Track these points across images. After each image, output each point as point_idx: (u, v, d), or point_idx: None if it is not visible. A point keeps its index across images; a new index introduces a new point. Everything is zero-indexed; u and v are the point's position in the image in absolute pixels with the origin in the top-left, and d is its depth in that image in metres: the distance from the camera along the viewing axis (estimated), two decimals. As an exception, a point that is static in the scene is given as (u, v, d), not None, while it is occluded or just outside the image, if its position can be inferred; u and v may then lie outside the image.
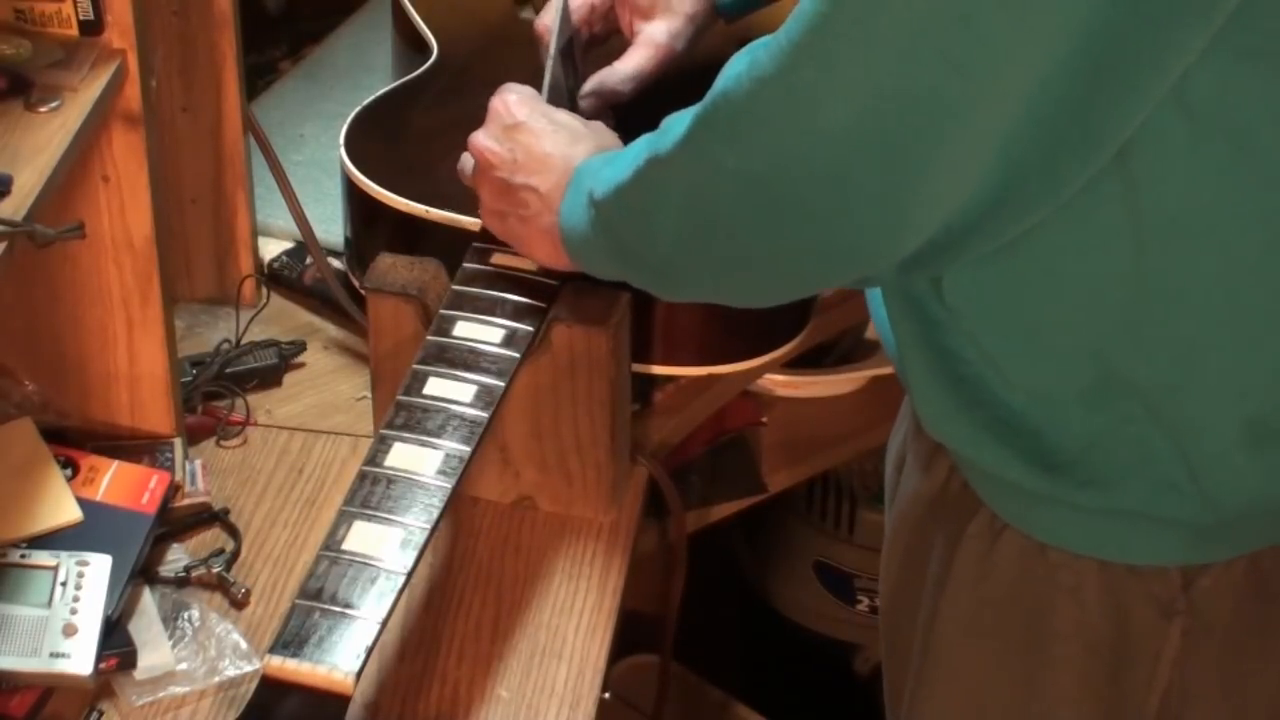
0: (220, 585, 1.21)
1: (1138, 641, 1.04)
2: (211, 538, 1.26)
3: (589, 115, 1.28)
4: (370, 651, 0.99)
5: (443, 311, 1.21)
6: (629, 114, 1.35)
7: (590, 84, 1.33)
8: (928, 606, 1.13)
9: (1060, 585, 1.04)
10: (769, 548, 1.99)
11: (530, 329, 1.20)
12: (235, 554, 1.24)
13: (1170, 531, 1.01)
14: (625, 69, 1.33)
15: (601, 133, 1.22)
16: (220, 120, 1.40)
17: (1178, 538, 1.01)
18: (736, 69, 0.93)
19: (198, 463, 1.30)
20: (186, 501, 1.27)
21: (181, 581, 1.21)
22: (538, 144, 1.18)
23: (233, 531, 1.26)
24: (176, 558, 1.23)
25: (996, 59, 0.82)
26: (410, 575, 1.03)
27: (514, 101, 1.22)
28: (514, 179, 1.18)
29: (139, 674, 1.14)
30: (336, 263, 1.44)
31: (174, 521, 1.26)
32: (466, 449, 1.11)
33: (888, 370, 1.67)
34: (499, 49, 1.54)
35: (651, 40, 1.34)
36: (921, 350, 1.03)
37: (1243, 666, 1.06)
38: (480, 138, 1.21)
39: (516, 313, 1.21)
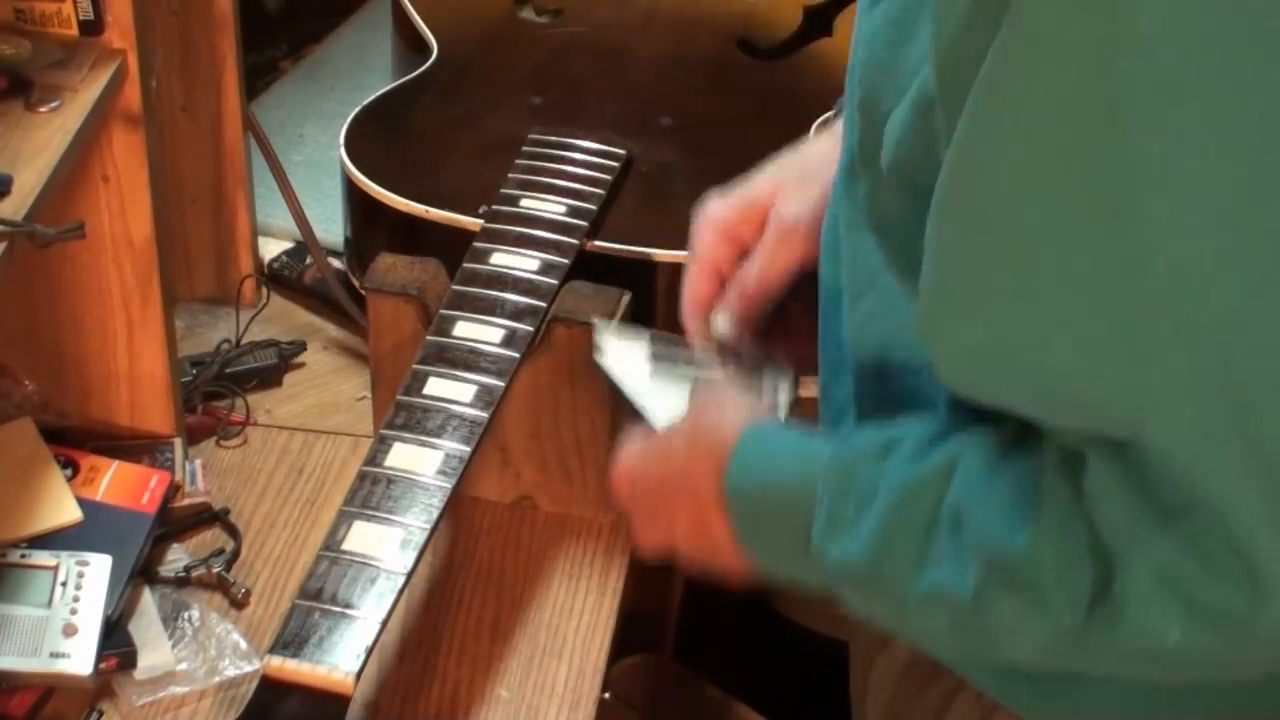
0: (220, 585, 1.21)
1: None
2: (211, 538, 1.26)
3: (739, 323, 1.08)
4: (370, 651, 0.99)
5: (443, 311, 1.21)
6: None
7: (731, 301, 1.08)
8: None
9: None
10: (769, 548, 1.99)
11: (530, 329, 1.20)
12: (235, 554, 1.24)
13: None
14: (748, 278, 1.07)
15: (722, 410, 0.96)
16: (220, 120, 1.40)
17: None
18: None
19: (198, 463, 1.30)
20: (186, 501, 1.27)
21: (181, 581, 1.21)
22: (670, 491, 0.96)
23: (233, 531, 1.26)
24: (176, 558, 1.23)
25: None
26: (410, 575, 1.03)
27: (625, 472, 1.01)
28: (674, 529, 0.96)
29: (139, 674, 1.14)
30: (336, 263, 1.44)
31: (174, 521, 1.26)
32: (466, 449, 1.11)
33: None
34: (498, 49, 1.54)
35: (772, 224, 1.07)
36: None
37: None
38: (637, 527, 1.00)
39: (516, 313, 1.21)
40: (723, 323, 1.09)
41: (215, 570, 1.22)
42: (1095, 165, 0.63)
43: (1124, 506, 0.70)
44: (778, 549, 0.90)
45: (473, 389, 1.15)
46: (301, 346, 1.43)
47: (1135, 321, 0.65)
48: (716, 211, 1.10)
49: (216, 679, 1.14)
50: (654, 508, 0.98)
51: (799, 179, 1.08)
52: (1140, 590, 0.70)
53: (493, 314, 1.21)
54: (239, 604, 1.20)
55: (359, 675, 0.98)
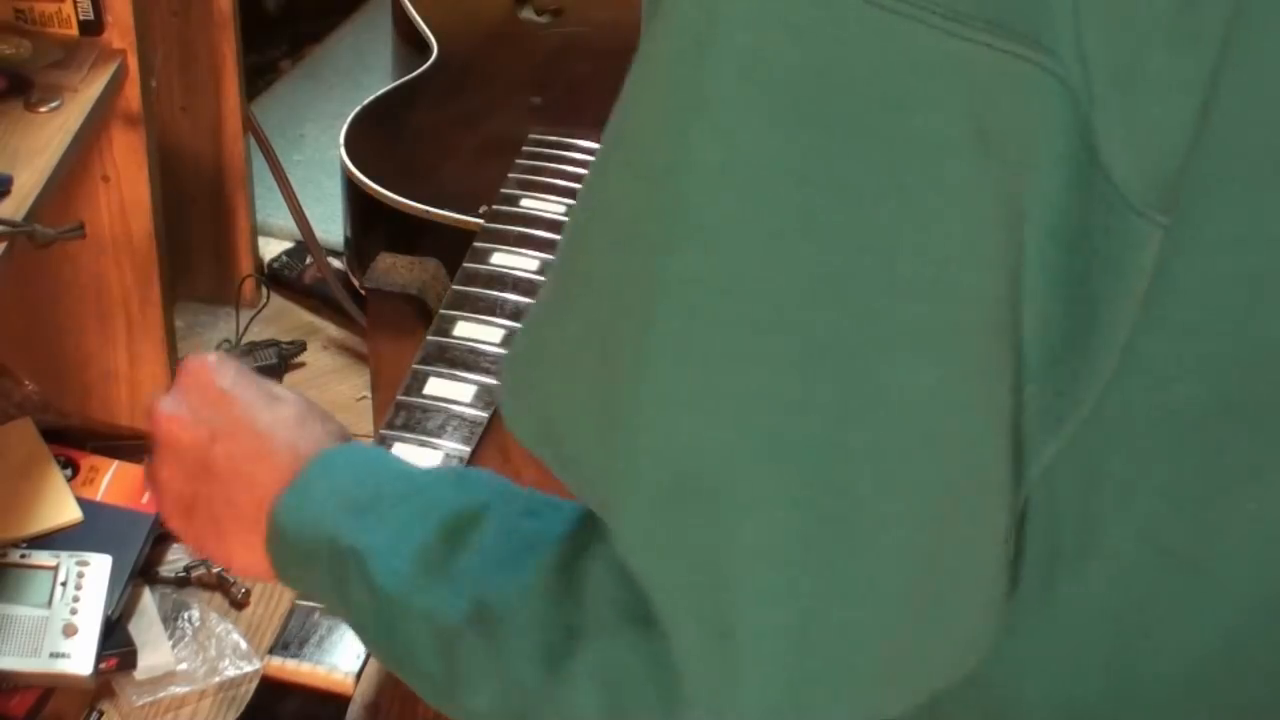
0: (220, 585, 1.21)
1: None
2: (211, 538, 1.26)
3: None
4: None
5: (443, 311, 1.21)
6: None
7: None
8: None
9: None
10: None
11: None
12: (235, 554, 1.24)
13: None
14: None
15: (326, 417, 0.91)
16: (220, 120, 1.40)
17: None
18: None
19: (198, 463, 1.30)
20: (186, 501, 1.27)
21: (181, 581, 1.21)
22: (249, 416, 0.88)
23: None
24: (176, 558, 1.23)
25: None
26: None
27: (213, 365, 0.90)
28: (214, 458, 0.89)
29: (139, 674, 1.14)
30: (336, 263, 1.44)
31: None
32: (466, 449, 1.11)
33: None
34: (498, 49, 1.54)
35: None
36: None
37: None
38: (168, 404, 0.89)
39: (516, 313, 1.21)
40: None
41: (215, 570, 1.22)
42: (622, 266, 0.61)
43: (604, 589, 0.69)
44: (304, 582, 0.84)
45: (473, 389, 1.15)
46: (301, 346, 1.43)
47: (616, 421, 0.63)
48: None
49: (216, 679, 1.14)
50: (195, 477, 0.89)
51: None
52: (583, 672, 0.69)
53: (493, 314, 1.21)
54: (239, 604, 1.20)
55: (359, 675, 0.98)
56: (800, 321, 0.58)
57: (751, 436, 0.60)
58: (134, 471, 1.25)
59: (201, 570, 1.22)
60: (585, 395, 0.65)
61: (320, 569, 0.81)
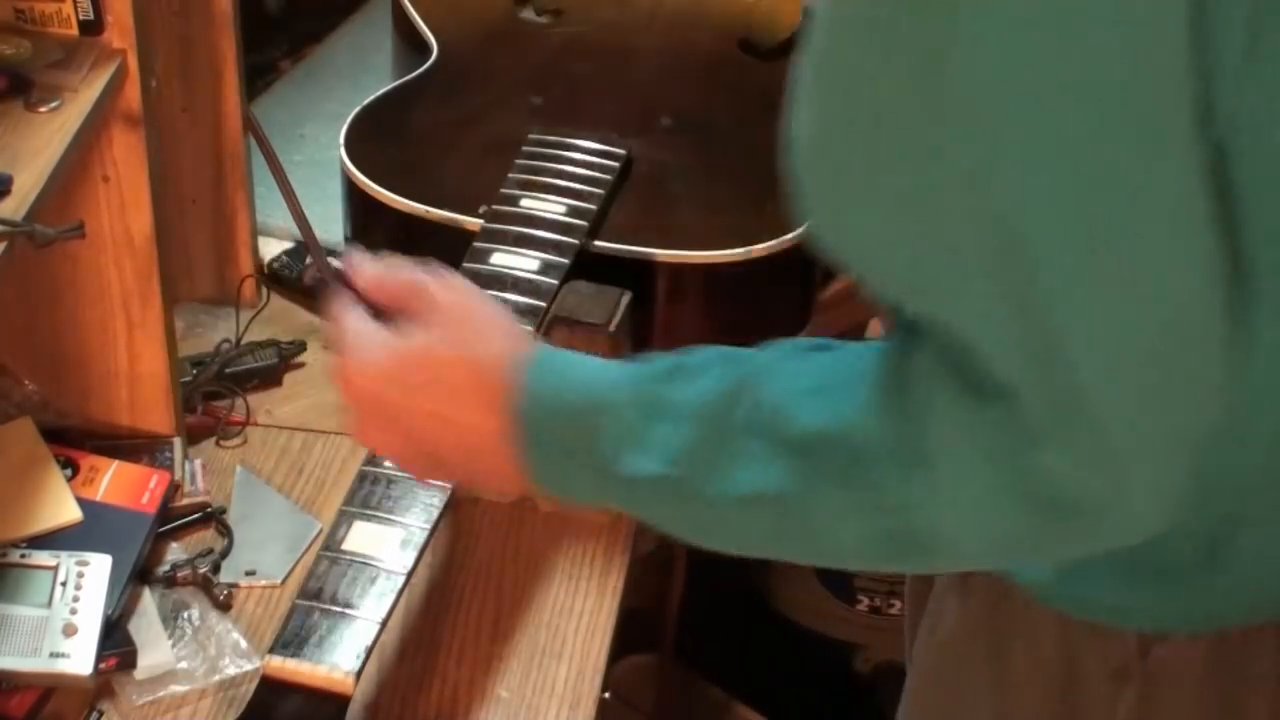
0: (204, 585, 1.21)
1: None
2: (212, 538, 1.26)
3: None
4: (370, 651, 0.99)
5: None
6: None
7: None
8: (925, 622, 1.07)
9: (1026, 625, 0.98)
10: (769, 548, 1.99)
11: (530, 329, 1.20)
12: (225, 554, 1.24)
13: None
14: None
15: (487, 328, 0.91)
16: (220, 120, 1.40)
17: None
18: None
19: (197, 462, 1.30)
20: (186, 501, 1.27)
21: (169, 581, 1.21)
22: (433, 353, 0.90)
23: (225, 531, 1.26)
24: (176, 558, 1.23)
25: None
26: (410, 575, 1.03)
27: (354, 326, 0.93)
28: (413, 410, 0.90)
29: (139, 673, 1.14)
30: (336, 263, 1.44)
31: (174, 521, 1.26)
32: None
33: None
34: (498, 49, 1.54)
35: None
36: None
37: None
38: (352, 374, 0.92)
39: (516, 313, 1.21)
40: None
41: (202, 571, 1.21)
42: (922, 65, 0.70)
43: (939, 381, 0.75)
44: (570, 467, 0.87)
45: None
46: (301, 346, 1.42)
47: (938, 206, 0.72)
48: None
49: (216, 678, 1.14)
50: (396, 411, 0.91)
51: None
52: (945, 454, 0.75)
53: (493, 314, 1.21)
54: (221, 605, 1.20)
55: (359, 675, 0.98)
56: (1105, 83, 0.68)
57: (1064, 193, 0.70)
58: (134, 471, 1.25)
59: (187, 570, 1.21)
60: (910, 190, 0.72)
61: (602, 436, 0.83)
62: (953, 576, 1.02)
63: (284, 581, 1.22)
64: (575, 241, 1.27)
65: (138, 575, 1.20)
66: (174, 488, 1.26)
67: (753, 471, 0.80)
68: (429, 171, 1.36)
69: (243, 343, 1.41)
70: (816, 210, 0.78)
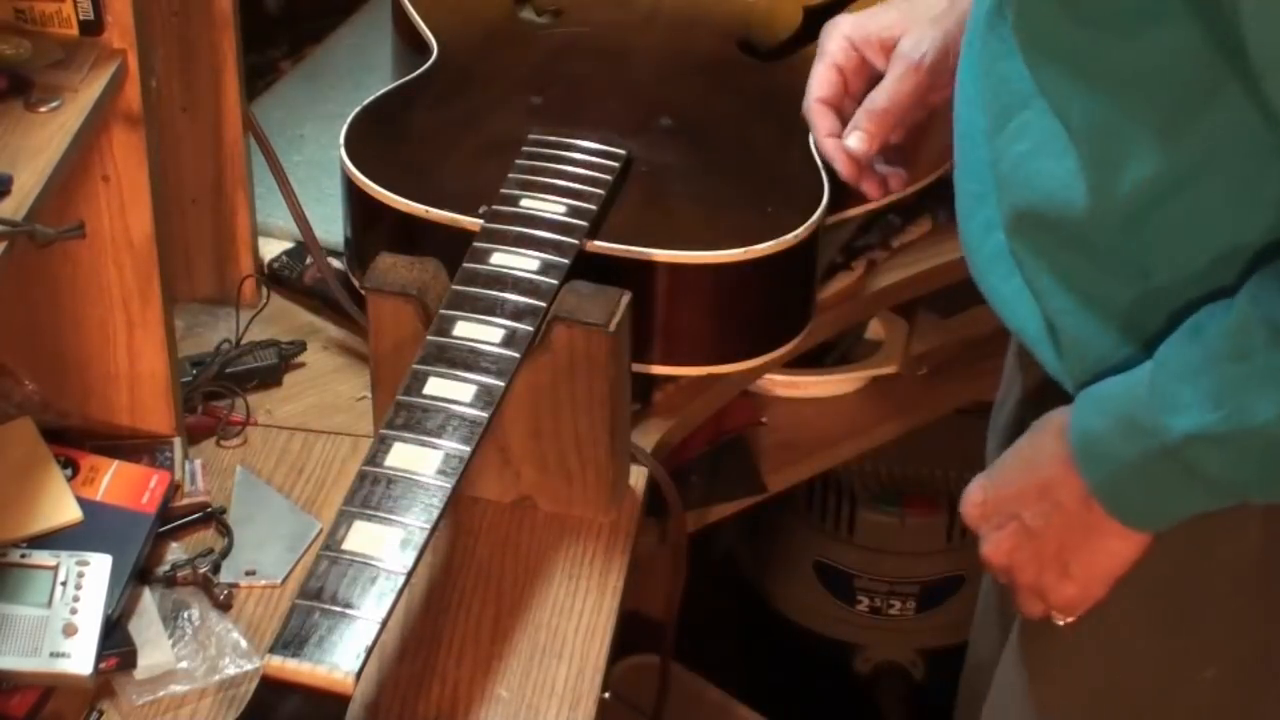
0: (204, 584, 1.21)
1: None
2: (212, 538, 1.26)
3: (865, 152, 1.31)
4: (370, 651, 0.99)
5: (443, 311, 1.21)
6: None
7: (861, 122, 1.32)
8: None
9: (1216, 521, 1.03)
10: (769, 548, 1.99)
11: (530, 329, 1.20)
12: (225, 553, 1.24)
13: None
14: (878, 98, 1.31)
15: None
16: (220, 120, 1.40)
17: None
18: None
19: (198, 462, 1.30)
20: (186, 501, 1.27)
21: (169, 581, 1.21)
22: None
23: (225, 531, 1.26)
24: (175, 558, 1.23)
25: None
26: (410, 575, 1.03)
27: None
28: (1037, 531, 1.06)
29: (139, 673, 1.14)
30: (336, 263, 1.44)
31: (174, 521, 1.26)
32: (466, 449, 1.11)
33: (888, 370, 1.67)
34: (498, 49, 1.54)
35: (899, 56, 1.30)
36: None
37: None
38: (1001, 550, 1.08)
39: (516, 313, 1.21)
40: (856, 139, 1.31)
41: (202, 571, 1.21)
42: None
43: None
44: (1143, 479, 0.97)
45: (473, 389, 1.15)
46: (301, 346, 1.43)
47: None
48: (851, 28, 1.32)
49: (217, 678, 1.14)
50: (1001, 510, 1.06)
51: (926, 20, 1.29)
52: None
53: (493, 314, 1.21)
54: (221, 605, 1.20)
55: (359, 675, 0.98)
56: None
57: None
58: (134, 471, 1.25)
59: (187, 570, 1.21)
60: None
61: (1144, 417, 0.94)
62: None
63: (284, 581, 1.23)
64: (575, 241, 1.27)
65: (138, 575, 1.20)
66: (174, 488, 1.26)
67: None
68: (429, 171, 1.36)
69: (243, 343, 1.41)
70: None
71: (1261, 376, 0.89)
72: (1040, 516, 1.04)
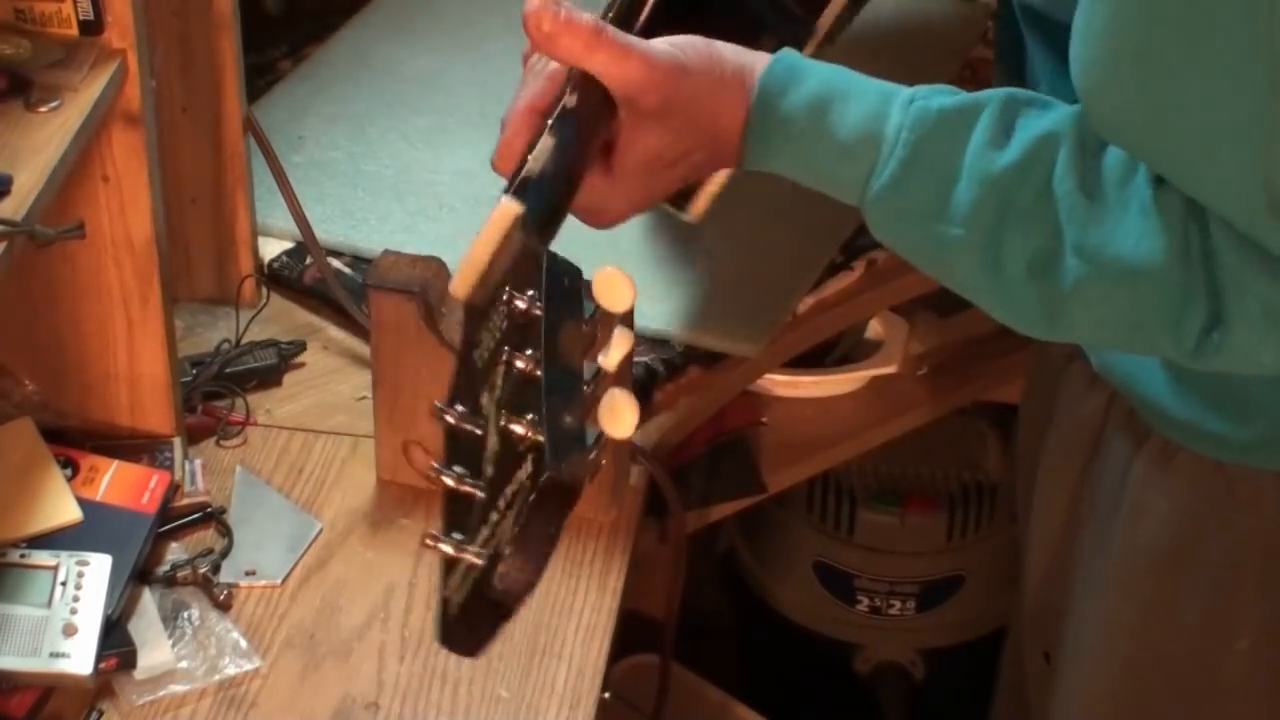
0: (204, 584, 1.21)
1: None
2: (212, 538, 1.26)
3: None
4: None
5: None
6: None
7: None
8: (1096, 539, 1.13)
9: (1239, 498, 1.06)
10: (769, 548, 1.99)
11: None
12: (225, 554, 1.24)
13: None
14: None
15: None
16: (220, 120, 1.40)
17: None
18: None
19: (197, 462, 1.30)
20: (186, 501, 1.27)
21: (169, 581, 1.21)
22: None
23: (228, 531, 1.26)
24: (175, 558, 1.23)
25: None
26: None
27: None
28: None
29: (139, 673, 1.14)
30: (336, 263, 1.44)
31: (173, 521, 1.26)
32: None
33: (888, 370, 1.67)
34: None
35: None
36: None
37: None
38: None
39: (516, 312, 1.21)
40: None
41: (202, 571, 1.21)
42: None
43: (1238, 253, 0.85)
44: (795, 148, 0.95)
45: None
46: (301, 346, 1.43)
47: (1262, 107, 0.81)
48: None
49: (216, 678, 1.14)
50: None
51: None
52: (1245, 321, 0.86)
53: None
54: (221, 605, 1.20)
55: None
56: None
57: None
58: (134, 471, 1.25)
59: (187, 570, 1.21)
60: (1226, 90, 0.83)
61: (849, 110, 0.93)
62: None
63: (284, 581, 1.23)
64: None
65: (138, 575, 1.20)
66: (174, 488, 1.26)
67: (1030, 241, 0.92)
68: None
69: (243, 343, 1.41)
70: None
71: (1020, 216, 0.92)
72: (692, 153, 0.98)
